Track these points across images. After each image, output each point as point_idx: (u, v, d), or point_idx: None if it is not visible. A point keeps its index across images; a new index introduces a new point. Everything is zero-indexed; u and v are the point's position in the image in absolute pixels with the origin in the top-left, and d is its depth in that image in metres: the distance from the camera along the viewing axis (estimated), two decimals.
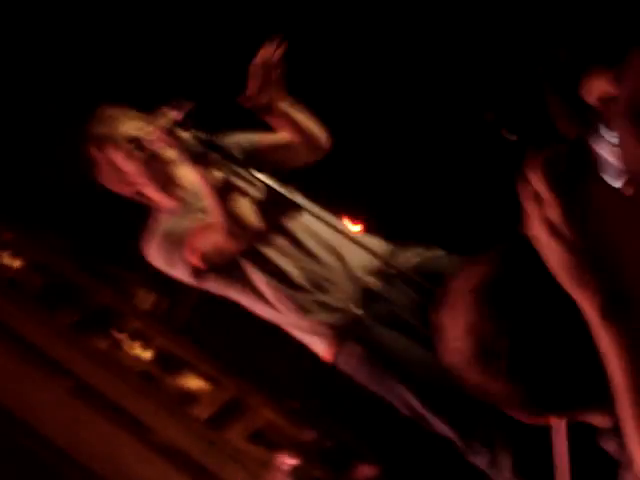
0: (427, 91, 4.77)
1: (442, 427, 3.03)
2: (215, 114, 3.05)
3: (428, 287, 3.11)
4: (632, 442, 1.23)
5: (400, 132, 4.74)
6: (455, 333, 1.46)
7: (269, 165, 3.13)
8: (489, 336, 1.38)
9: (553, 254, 1.18)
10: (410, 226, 3.27)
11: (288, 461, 4.41)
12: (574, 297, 1.23)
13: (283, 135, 3.23)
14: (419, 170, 4.69)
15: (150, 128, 3.12)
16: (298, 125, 3.17)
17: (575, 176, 1.05)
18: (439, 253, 3.27)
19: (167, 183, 3.31)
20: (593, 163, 1.04)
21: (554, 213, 1.09)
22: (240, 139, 3.30)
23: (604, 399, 1.31)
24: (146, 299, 5.13)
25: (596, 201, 1.06)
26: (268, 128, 3.27)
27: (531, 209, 1.05)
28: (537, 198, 1.06)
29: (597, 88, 0.94)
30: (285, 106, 3.15)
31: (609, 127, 0.98)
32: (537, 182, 1.01)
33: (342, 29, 4.87)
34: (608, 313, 1.21)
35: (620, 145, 0.99)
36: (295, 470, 4.33)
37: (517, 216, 1.29)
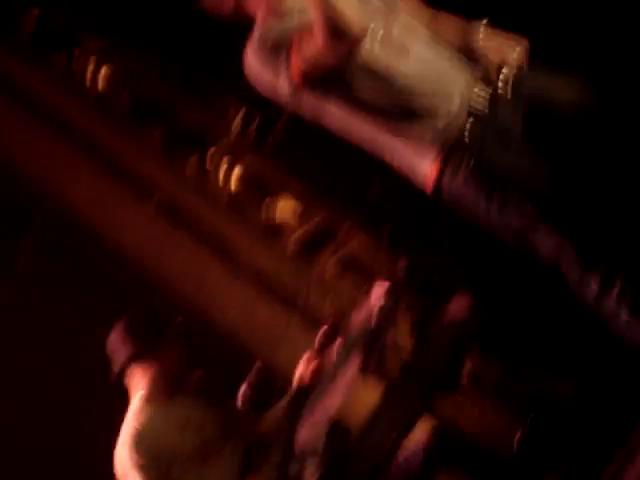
0: None
1: (559, 244, 2.81)
2: None
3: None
4: None
5: None
6: None
7: None
8: None
9: None
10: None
11: (381, 286, 4.22)
12: None
13: None
14: None
15: None
16: None
17: None
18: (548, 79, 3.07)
19: None
20: None
21: None
22: None
23: None
24: (236, 116, 4.92)
25: None
26: None
27: None
28: None
29: None
30: None
31: None
32: None
33: None
34: None
35: None
36: (388, 294, 4.14)
37: None
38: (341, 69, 2.93)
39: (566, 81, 3.04)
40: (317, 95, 3.01)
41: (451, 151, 2.93)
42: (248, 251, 4.84)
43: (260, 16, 3.11)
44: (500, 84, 2.99)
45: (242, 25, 3.29)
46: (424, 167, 2.97)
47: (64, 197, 5.04)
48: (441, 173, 2.94)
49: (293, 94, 2.99)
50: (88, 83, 4.90)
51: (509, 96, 2.97)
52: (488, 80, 3.00)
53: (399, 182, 3.57)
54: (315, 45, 2.84)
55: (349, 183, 4.70)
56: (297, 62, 2.90)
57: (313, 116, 3.07)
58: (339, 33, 2.79)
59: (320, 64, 2.89)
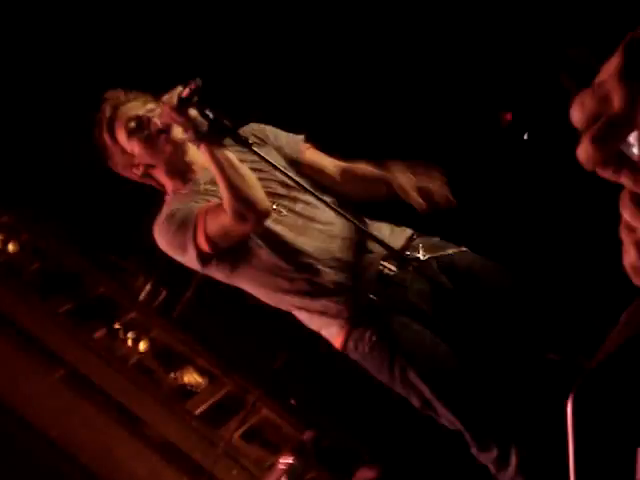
0: (445, 92, 4.71)
1: (451, 419, 2.92)
2: (228, 93, 2.94)
3: (441, 281, 3.04)
4: None
5: (417, 132, 4.66)
6: None
7: (307, 177, 3.10)
8: None
9: None
10: (422, 218, 3.14)
11: (285, 460, 4.28)
12: None
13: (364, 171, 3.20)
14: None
15: (157, 107, 3.03)
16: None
17: None
18: (453, 246, 3.17)
19: (176, 164, 3.19)
20: None
21: None
22: (286, 143, 3.22)
23: None
24: (143, 289, 4.99)
25: None
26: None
27: (625, 238, 0.96)
28: (630, 228, 0.97)
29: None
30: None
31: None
32: (628, 215, 0.92)
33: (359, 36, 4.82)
34: None
35: None
36: (291, 470, 4.20)
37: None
38: (247, 240, 3.03)
39: (502, 270, 3.13)
40: (226, 264, 3.09)
41: (356, 322, 3.02)
42: (155, 420, 4.85)
43: (168, 188, 3.20)
44: (410, 255, 3.09)
45: (149, 193, 3.40)
46: (331, 334, 3.07)
47: None
48: (347, 340, 3.04)
49: (201, 264, 3.07)
50: None
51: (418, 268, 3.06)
52: (398, 252, 3.09)
53: (305, 354, 3.64)
54: (222, 220, 2.93)
55: (256, 354, 4.78)
56: (203, 235, 2.98)
57: (224, 281, 3.15)
58: (246, 209, 2.88)
59: (227, 238, 2.98)
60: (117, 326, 4.86)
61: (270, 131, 3.26)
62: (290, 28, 4.80)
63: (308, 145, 3.27)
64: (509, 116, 4.38)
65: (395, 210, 3.21)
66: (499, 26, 4.52)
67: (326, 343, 3.14)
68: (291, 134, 3.29)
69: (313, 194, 3.04)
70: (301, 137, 3.28)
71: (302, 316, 3.12)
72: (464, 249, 3.18)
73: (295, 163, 3.21)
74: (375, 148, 3.53)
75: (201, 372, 4.87)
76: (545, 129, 4.52)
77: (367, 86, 4.83)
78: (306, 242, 3.06)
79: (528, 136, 4.38)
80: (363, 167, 3.24)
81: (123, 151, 3.20)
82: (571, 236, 4.32)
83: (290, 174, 3.04)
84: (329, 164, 3.25)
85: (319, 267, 3.03)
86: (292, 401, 4.62)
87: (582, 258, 4.26)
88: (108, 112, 3.20)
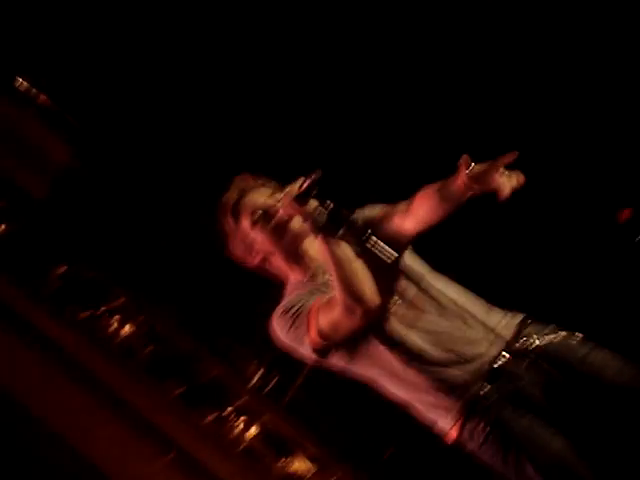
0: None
1: None
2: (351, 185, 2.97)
3: (555, 372, 2.98)
4: None
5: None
6: None
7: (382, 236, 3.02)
8: None
9: None
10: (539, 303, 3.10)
11: None
12: None
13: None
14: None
15: (280, 197, 3.06)
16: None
17: None
18: (573, 338, 3.10)
19: (294, 254, 3.22)
20: None
21: None
22: (363, 213, 3.20)
23: None
24: (256, 373, 5.02)
25: None
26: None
27: None
28: None
29: None
30: None
31: None
32: None
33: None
34: None
35: None
36: None
37: None
38: (361, 335, 3.02)
39: (623, 363, 3.05)
40: (341, 357, 3.09)
41: (469, 414, 2.98)
42: None
43: (289, 280, 3.22)
44: (523, 348, 3.04)
45: (263, 283, 3.43)
46: (445, 426, 3.03)
47: (84, 447, 5.08)
48: (461, 432, 2.99)
49: (318, 357, 3.07)
50: (112, 338, 5.03)
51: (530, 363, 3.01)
52: (509, 341, 3.05)
53: (412, 444, 3.59)
54: (333, 314, 2.93)
55: (364, 444, 4.74)
56: (315, 330, 2.99)
57: (343, 371, 3.14)
58: (355, 304, 2.88)
59: (338, 332, 2.97)
60: (229, 410, 4.88)
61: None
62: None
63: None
64: (628, 212, 4.31)
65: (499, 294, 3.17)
66: None
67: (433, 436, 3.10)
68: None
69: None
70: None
71: (416, 407, 3.09)
72: (579, 335, 3.11)
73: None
74: None
75: (311, 459, 4.84)
76: None
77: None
78: (418, 336, 3.04)
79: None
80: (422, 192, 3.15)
81: (244, 238, 3.24)
82: None
83: (410, 263, 3.04)
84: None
85: (434, 361, 3.01)
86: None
87: None
88: (235, 196, 3.25)
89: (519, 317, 3.14)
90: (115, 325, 4.98)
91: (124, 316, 5.05)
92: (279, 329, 3.09)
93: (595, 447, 2.89)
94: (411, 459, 4.69)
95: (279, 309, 3.11)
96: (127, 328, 5.01)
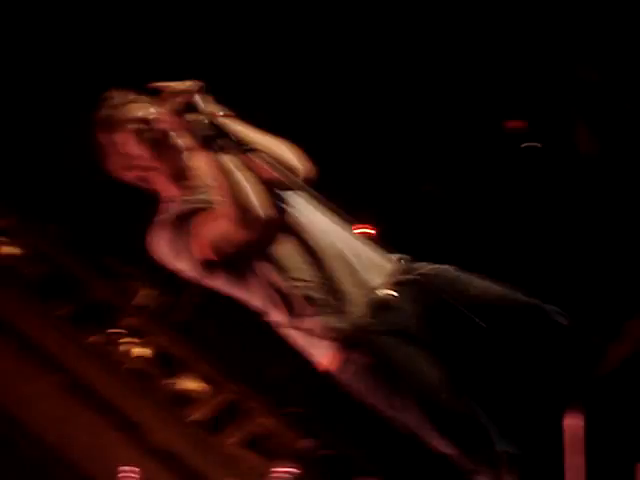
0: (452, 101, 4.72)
1: (446, 444, 2.88)
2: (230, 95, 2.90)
3: (432, 301, 3.01)
4: None
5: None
6: None
7: None
8: None
9: None
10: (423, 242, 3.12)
11: (285, 470, 4.24)
12: None
13: None
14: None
15: (159, 110, 2.99)
16: None
17: None
18: (450, 268, 3.14)
19: (176, 169, 3.16)
20: None
21: None
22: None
23: None
24: (147, 296, 4.97)
25: None
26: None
27: None
28: None
29: None
30: None
31: None
32: None
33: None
34: None
35: None
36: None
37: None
38: (247, 255, 3.00)
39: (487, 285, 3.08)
40: (226, 280, 3.06)
41: (352, 344, 2.99)
42: (152, 425, 4.82)
43: (165, 193, 3.17)
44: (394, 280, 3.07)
45: (145, 201, 3.37)
46: (325, 356, 3.03)
47: None
48: (340, 364, 3.00)
49: (198, 271, 3.04)
50: None
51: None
52: (390, 273, 3.07)
53: (305, 364, 3.59)
54: (221, 227, 2.90)
55: (256, 362, 4.74)
56: (207, 241, 2.95)
57: (224, 289, 3.11)
58: (244, 215, 2.85)
59: (228, 244, 2.94)
60: (115, 330, 4.83)
61: None
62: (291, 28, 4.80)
63: None
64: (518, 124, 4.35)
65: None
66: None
67: None
68: None
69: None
70: None
71: (297, 336, 3.08)
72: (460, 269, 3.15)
73: None
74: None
75: (202, 379, 4.83)
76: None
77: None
78: (304, 262, 3.03)
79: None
80: None
81: (124, 152, 3.16)
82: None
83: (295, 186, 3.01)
84: None
85: (318, 288, 3.00)
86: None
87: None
88: (108, 111, 3.17)
89: (395, 255, 3.17)
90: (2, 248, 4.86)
91: (9, 237, 4.92)
92: (158, 241, 3.03)
93: (470, 375, 2.94)
94: (304, 378, 4.71)
95: (158, 222, 3.05)
96: (11, 249, 4.88)
